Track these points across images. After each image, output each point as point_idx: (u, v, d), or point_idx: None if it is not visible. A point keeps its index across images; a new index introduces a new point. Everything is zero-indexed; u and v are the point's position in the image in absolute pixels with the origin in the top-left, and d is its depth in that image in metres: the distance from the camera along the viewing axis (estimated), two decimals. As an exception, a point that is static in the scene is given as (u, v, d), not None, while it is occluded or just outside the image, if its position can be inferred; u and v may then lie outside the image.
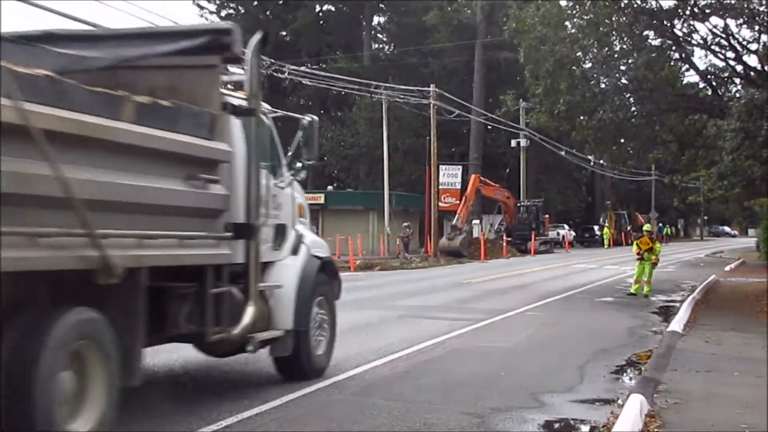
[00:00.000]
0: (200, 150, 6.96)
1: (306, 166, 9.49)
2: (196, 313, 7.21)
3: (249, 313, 7.80)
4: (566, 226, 64.78)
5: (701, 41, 25.34)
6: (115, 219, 5.95)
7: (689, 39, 25.43)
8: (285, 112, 10.73)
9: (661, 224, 60.07)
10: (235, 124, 7.91)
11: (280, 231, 8.92)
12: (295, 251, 9.16)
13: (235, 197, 7.66)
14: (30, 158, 5.11)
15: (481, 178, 45.79)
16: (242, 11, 61.09)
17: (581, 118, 25.90)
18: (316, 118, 9.65)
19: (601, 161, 52.19)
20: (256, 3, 61.15)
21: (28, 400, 5.30)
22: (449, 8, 57.99)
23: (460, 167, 47.83)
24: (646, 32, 24.22)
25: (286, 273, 8.83)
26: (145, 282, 6.43)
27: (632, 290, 21.35)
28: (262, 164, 8.27)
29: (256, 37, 7.95)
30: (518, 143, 53.38)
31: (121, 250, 5.92)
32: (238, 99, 8.05)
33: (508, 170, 56.54)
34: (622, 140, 29.68)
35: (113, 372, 6.09)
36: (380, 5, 64.33)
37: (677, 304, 18.86)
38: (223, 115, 7.45)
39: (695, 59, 26.93)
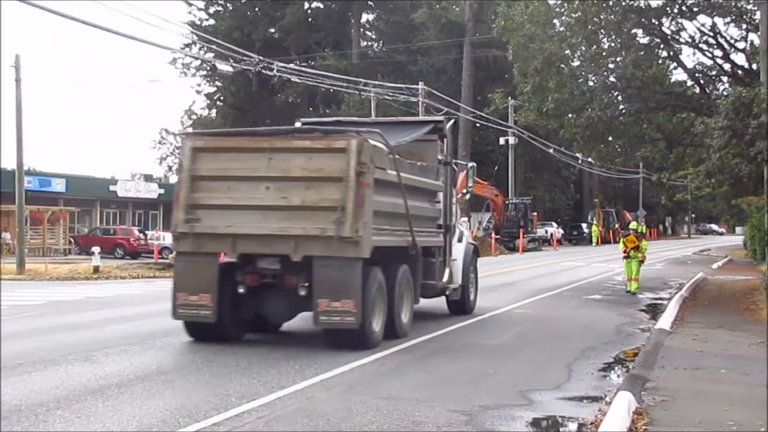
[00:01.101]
0: (434, 186, 13.96)
1: (467, 192, 17.94)
2: (431, 271, 13.85)
3: (447, 273, 14.47)
4: (554, 224, 64.94)
5: (689, 39, 25.50)
6: (414, 222, 12.40)
7: (677, 37, 25.57)
8: (457, 160, 18.34)
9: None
10: (441, 169, 14.35)
11: (453, 227, 15.03)
12: (460, 239, 15.81)
13: (441, 209, 14.33)
14: (395, 196, 11.74)
15: (470, 175, 45.74)
16: (230, 8, 60.90)
17: (569, 115, 25.98)
18: (474, 164, 18.26)
19: (590, 159, 52.45)
20: (244, 0, 60.95)
21: (392, 306, 11.77)
22: (438, 6, 57.98)
23: (449, 165, 47.71)
24: (634, 30, 24.31)
25: (457, 252, 15.33)
26: (420, 254, 13.10)
27: (631, 288, 21.23)
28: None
29: (450, 122, 15.00)
30: (507, 141, 53.44)
31: (417, 238, 12.50)
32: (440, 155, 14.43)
33: (496, 168, 56.59)
34: (610, 138, 29.80)
35: (411, 297, 12.74)
36: (369, 3, 64.25)
37: (665, 302, 18.92)
38: (439, 167, 14.23)
39: (683, 57, 27.31)
